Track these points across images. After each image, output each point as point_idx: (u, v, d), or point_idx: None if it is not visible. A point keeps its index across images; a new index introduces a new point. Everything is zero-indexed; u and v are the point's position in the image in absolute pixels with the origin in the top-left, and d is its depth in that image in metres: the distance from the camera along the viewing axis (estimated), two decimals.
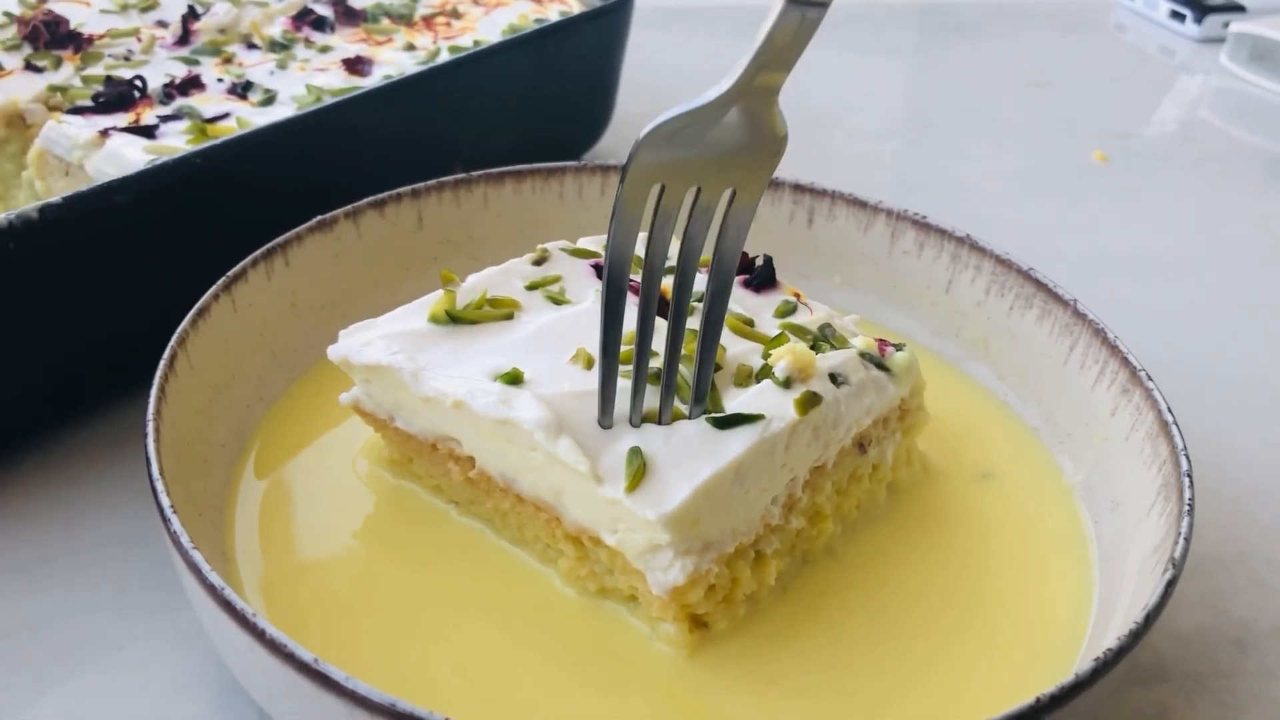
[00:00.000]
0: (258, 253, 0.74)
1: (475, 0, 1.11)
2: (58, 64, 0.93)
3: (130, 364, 0.71)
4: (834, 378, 0.64)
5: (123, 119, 0.85)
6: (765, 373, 0.64)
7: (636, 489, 0.57)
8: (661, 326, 0.61)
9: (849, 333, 0.70)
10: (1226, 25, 1.58)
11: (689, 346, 0.62)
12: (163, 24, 1.00)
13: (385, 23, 1.05)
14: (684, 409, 0.61)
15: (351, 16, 1.05)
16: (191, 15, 1.00)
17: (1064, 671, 0.53)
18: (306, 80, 0.93)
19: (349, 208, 0.80)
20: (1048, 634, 0.63)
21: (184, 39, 0.98)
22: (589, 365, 0.64)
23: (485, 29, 1.05)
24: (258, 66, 0.95)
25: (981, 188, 1.22)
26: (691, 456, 0.58)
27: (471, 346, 0.66)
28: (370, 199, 0.81)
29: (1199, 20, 1.62)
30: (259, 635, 0.49)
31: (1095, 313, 0.73)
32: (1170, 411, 0.65)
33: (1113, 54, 1.64)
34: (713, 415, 0.60)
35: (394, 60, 0.98)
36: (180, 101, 0.89)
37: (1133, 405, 0.68)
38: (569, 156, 0.97)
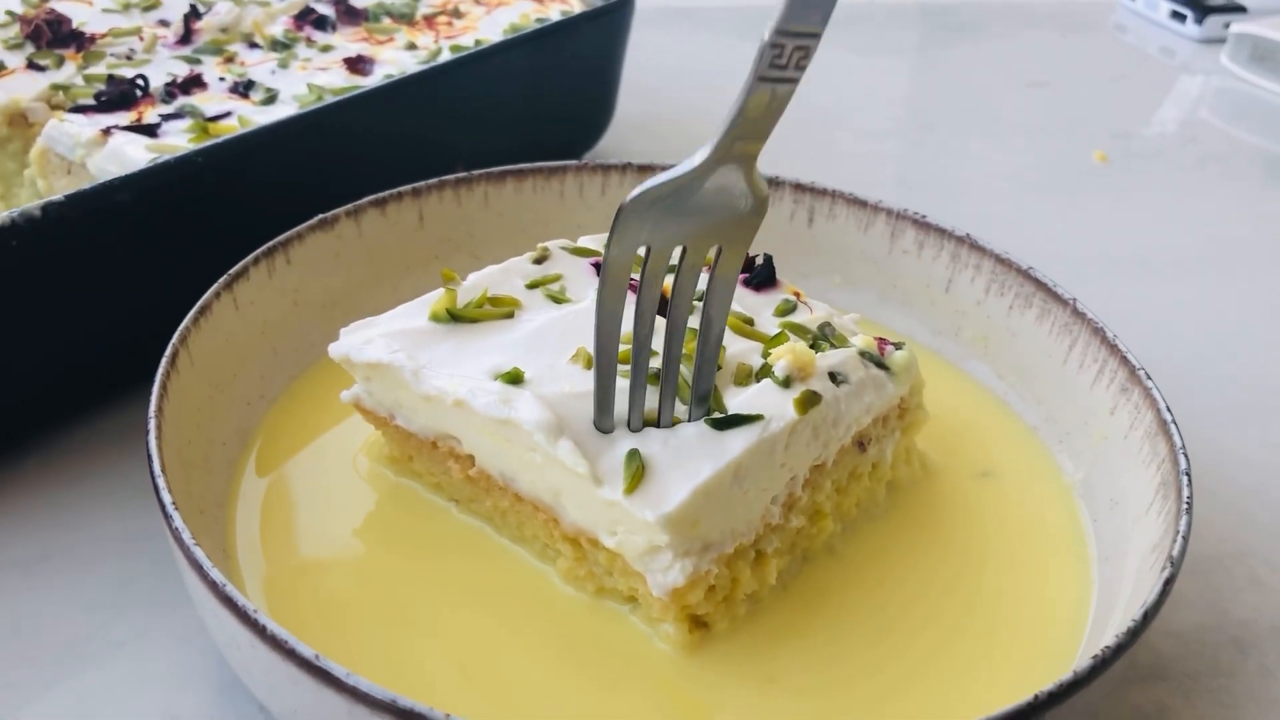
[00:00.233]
0: (259, 251, 0.75)
1: (476, 0, 1.11)
2: (60, 63, 0.93)
3: (132, 362, 0.71)
4: (834, 376, 0.65)
5: (125, 118, 0.85)
6: (765, 372, 0.64)
7: (635, 490, 0.57)
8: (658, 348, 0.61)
9: (849, 331, 0.70)
10: (1227, 26, 1.58)
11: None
12: (165, 23, 1.00)
13: (387, 22, 1.05)
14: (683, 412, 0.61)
15: (353, 16, 1.06)
16: (193, 14, 1.00)
17: (1063, 669, 0.53)
18: (308, 79, 0.93)
19: (350, 206, 0.80)
20: (1047, 632, 0.63)
21: (186, 38, 0.98)
22: (589, 365, 0.64)
23: (486, 28, 1.05)
24: (259, 65, 0.95)
25: (981, 187, 1.22)
26: (690, 457, 0.58)
27: (472, 345, 0.66)
28: (371, 197, 0.81)
29: (1199, 21, 1.62)
30: (260, 632, 0.49)
31: (1095, 312, 0.73)
32: (1169, 410, 0.65)
33: (1113, 54, 1.64)
34: (712, 416, 0.60)
35: (395, 59, 0.98)
36: (182, 100, 0.89)
37: (1132, 404, 0.68)
38: (570, 155, 0.97)
